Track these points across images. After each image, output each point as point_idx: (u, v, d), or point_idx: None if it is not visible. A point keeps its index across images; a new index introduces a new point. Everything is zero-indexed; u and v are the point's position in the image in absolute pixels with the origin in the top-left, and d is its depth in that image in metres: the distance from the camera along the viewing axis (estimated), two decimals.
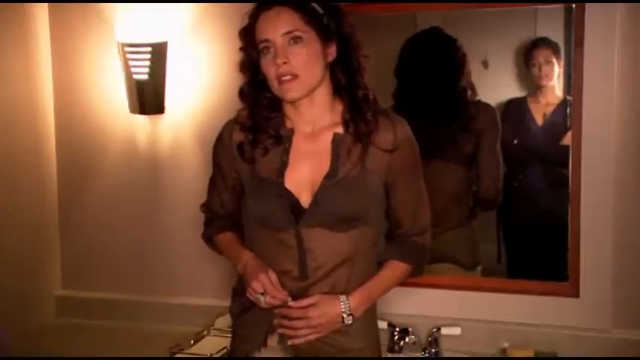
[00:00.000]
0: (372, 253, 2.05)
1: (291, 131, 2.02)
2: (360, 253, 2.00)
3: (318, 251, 1.96)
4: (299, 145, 2.01)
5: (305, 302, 1.96)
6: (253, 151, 2.01)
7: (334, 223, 1.95)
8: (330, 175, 1.96)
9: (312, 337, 1.98)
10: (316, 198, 1.95)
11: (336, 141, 1.98)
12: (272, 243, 2.00)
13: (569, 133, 2.58)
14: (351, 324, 2.00)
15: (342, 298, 1.97)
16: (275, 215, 1.97)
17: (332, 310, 1.96)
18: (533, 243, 2.77)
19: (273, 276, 1.96)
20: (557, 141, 2.67)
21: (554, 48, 2.64)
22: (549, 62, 2.66)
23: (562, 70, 2.64)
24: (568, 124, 2.58)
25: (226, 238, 2.16)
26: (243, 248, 2.08)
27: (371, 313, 2.10)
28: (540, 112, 2.71)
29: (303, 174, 1.98)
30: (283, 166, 1.99)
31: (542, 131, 2.72)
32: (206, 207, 2.22)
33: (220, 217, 2.18)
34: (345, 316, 1.97)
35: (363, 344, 2.05)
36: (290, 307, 1.96)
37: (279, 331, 2.00)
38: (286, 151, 2.00)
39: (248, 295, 1.99)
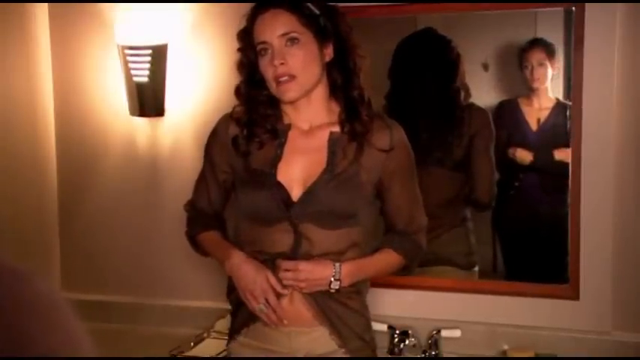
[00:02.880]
0: (363, 255, 2.05)
1: (288, 127, 2.04)
2: (347, 252, 2.01)
3: (311, 241, 1.98)
4: (295, 141, 2.02)
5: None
6: (248, 144, 2.03)
7: (324, 219, 1.96)
8: (327, 171, 1.97)
9: (283, 290, 1.99)
10: (308, 192, 1.96)
11: (333, 139, 2.00)
12: (262, 239, 2.01)
13: (567, 150, 2.57)
14: (347, 317, 2.01)
15: (336, 264, 1.98)
16: (266, 207, 1.98)
17: (322, 271, 1.98)
18: (533, 245, 2.76)
19: (272, 279, 1.98)
20: (553, 149, 2.66)
21: (548, 50, 2.62)
22: (542, 65, 2.63)
23: (556, 72, 2.62)
24: (568, 126, 2.57)
25: (211, 236, 2.16)
26: (232, 246, 2.09)
27: (365, 311, 2.11)
28: (534, 116, 2.69)
29: (297, 169, 2.00)
30: (277, 159, 2.01)
31: (537, 137, 2.71)
32: (191, 205, 2.22)
33: (205, 216, 2.18)
34: (333, 280, 1.97)
35: (358, 345, 2.05)
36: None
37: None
38: (281, 145, 2.02)
39: (243, 298, 2.01)
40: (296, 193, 1.98)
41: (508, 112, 2.71)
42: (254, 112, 2.03)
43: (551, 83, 2.65)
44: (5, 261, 0.57)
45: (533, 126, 2.70)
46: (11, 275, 0.55)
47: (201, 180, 2.19)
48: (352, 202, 1.99)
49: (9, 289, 0.55)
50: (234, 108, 2.07)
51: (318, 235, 1.98)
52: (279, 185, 1.98)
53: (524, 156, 2.70)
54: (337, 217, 1.98)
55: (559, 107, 2.63)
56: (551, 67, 2.63)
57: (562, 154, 2.60)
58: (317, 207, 1.96)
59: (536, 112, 2.69)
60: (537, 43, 2.64)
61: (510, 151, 2.72)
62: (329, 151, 2.00)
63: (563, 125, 2.60)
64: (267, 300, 1.98)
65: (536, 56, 2.63)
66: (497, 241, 2.81)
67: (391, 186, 2.04)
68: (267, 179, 1.99)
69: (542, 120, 2.68)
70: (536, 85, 2.67)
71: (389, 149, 2.00)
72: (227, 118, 2.09)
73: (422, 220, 2.12)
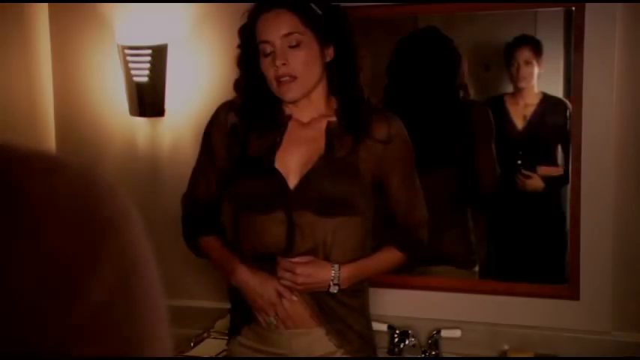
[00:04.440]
0: (358, 247, 2.05)
1: (289, 117, 2.04)
2: (343, 243, 2.00)
3: (305, 230, 1.97)
4: (293, 131, 2.03)
5: (299, 259, 1.97)
6: (248, 133, 2.03)
7: (320, 206, 1.96)
8: (324, 157, 1.97)
9: (291, 297, 1.99)
10: (305, 178, 1.96)
11: (330, 129, 2.01)
12: (257, 229, 2.01)
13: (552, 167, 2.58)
14: (347, 316, 2.02)
15: (335, 266, 1.98)
16: (262, 194, 1.98)
17: (321, 274, 1.97)
18: (533, 245, 2.76)
19: (281, 289, 1.98)
20: (541, 150, 2.66)
21: (535, 48, 2.60)
22: (529, 63, 2.62)
23: (543, 70, 2.61)
24: (553, 122, 2.57)
25: (211, 244, 2.15)
26: (235, 258, 2.08)
27: (365, 310, 2.11)
28: (520, 113, 2.68)
29: (294, 157, 2.00)
30: (275, 147, 2.01)
31: (523, 135, 2.70)
32: (187, 197, 2.20)
33: (202, 213, 2.16)
34: (331, 284, 1.97)
35: (358, 344, 2.05)
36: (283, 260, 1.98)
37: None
38: (280, 134, 2.02)
39: (255, 312, 2.02)
40: (293, 181, 1.99)
41: (494, 110, 2.70)
42: (255, 104, 2.03)
43: (537, 81, 2.64)
44: (63, 157, 0.53)
45: (519, 124, 2.69)
46: (75, 168, 0.52)
47: (199, 169, 2.17)
48: (349, 190, 1.99)
49: (78, 177, 0.52)
50: (235, 98, 2.08)
51: (312, 224, 1.97)
52: (277, 172, 1.98)
53: (536, 184, 2.68)
54: (334, 204, 1.97)
55: (545, 103, 2.62)
56: (538, 65, 2.61)
57: (547, 171, 2.60)
58: (313, 194, 1.96)
59: (522, 109, 2.68)
60: (524, 41, 2.62)
61: (520, 179, 2.68)
62: (326, 140, 2.01)
63: (550, 122, 2.61)
64: (276, 313, 1.99)
65: (523, 55, 2.62)
66: (496, 241, 2.81)
67: (390, 179, 2.04)
68: (264, 166, 1.99)
69: (527, 117, 2.68)
70: (522, 84, 2.65)
71: (387, 140, 2.00)
72: (227, 106, 2.09)
73: (422, 214, 2.12)
